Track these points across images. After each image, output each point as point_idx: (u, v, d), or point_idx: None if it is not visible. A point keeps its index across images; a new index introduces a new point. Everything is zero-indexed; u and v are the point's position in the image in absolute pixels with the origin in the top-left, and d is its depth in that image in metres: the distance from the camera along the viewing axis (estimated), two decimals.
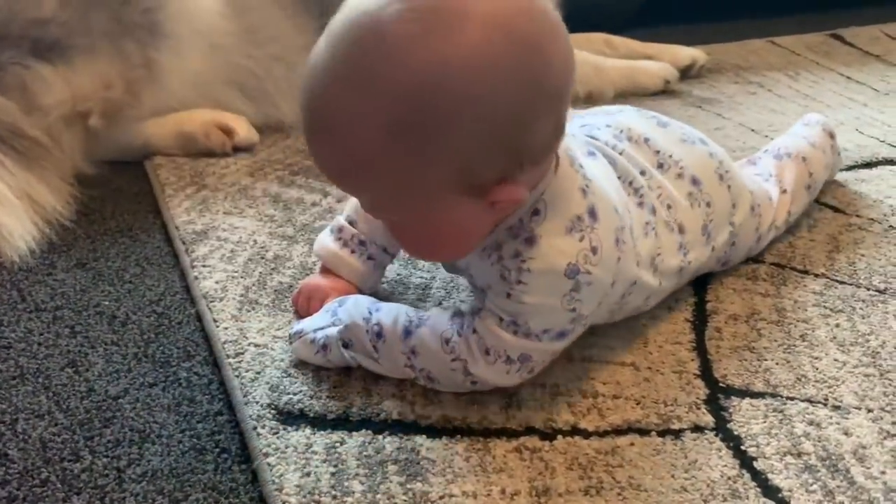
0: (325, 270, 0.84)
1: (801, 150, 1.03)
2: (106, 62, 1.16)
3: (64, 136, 1.13)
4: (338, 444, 0.66)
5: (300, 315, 0.81)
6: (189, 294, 0.89)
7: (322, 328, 0.73)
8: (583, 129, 0.84)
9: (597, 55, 1.61)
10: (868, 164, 1.20)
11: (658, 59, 1.63)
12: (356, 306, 0.74)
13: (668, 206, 0.80)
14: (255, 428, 0.68)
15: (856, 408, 0.73)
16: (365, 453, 0.65)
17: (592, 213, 0.68)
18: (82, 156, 1.16)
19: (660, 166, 0.83)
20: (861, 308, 0.88)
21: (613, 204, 0.71)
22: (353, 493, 0.62)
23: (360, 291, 0.82)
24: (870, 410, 0.73)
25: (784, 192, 0.98)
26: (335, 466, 0.64)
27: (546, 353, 0.70)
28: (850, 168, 1.18)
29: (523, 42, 0.59)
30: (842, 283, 0.92)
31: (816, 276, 0.94)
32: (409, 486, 0.63)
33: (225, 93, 1.27)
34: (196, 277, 0.90)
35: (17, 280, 0.91)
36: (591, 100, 1.51)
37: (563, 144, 0.68)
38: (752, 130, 1.37)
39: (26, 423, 0.70)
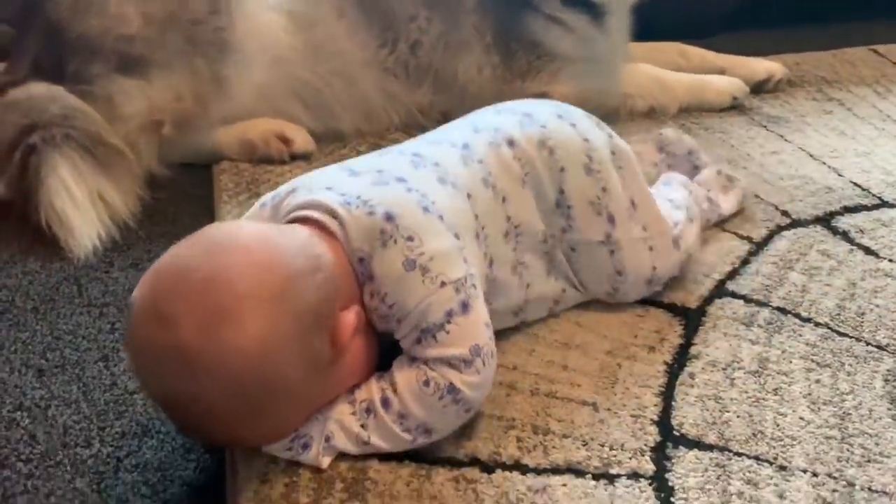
0: None
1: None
2: (179, 77, 1.28)
3: (139, 142, 1.27)
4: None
5: None
6: None
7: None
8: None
9: (669, 66, 1.60)
10: None
11: (732, 73, 1.60)
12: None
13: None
14: None
15: (802, 470, 0.74)
16: (319, 470, 0.73)
17: (389, 217, 0.74)
18: (155, 159, 1.29)
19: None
20: (850, 364, 0.87)
21: (402, 189, 0.77)
22: (298, 503, 0.70)
23: None
24: (815, 475, 0.73)
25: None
26: (290, 478, 0.72)
27: (477, 329, 0.73)
28: None
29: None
30: (842, 335, 0.91)
31: (818, 325, 0.93)
32: (348, 503, 0.70)
33: (287, 104, 1.37)
34: None
35: (79, 276, 1.05)
36: (652, 114, 1.51)
37: (334, 200, 0.75)
38: (811, 156, 1.34)
39: (56, 410, 0.83)
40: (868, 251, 1.07)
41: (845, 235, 1.11)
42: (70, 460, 0.77)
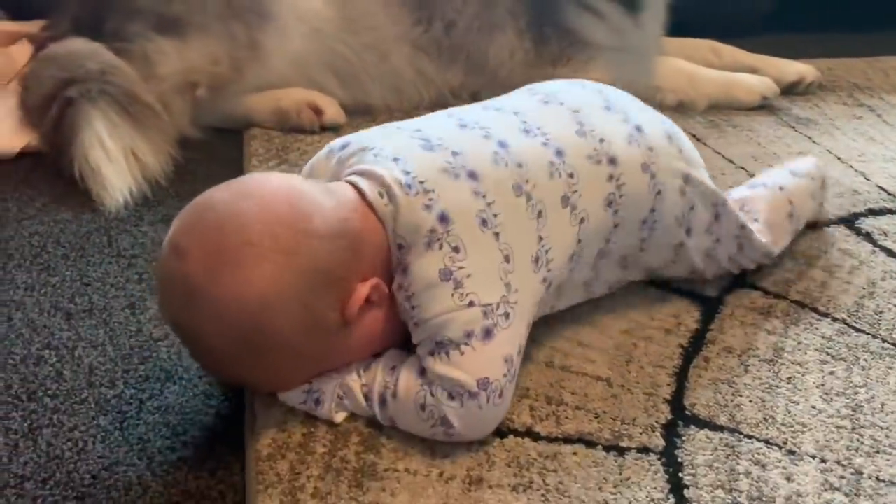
0: None
1: (778, 181, 1.03)
2: (216, 40, 1.30)
3: (174, 103, 1.29)
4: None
5: None
6: None
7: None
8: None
9: (701, 63, 1.60)
10: None
11: (763, 73, 1.60)
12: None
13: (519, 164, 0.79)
14: None
15: (810, 456, 0.75)
16: (335, 423, 0.75)
17: (443, 219, 0.72)
18: (188, 121, 1.31)
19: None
20: (865, 359, 0.87)
21: (469, 191, 0.74)
22: (315, 453, 0.72)
23: None
24: (823, 461, 0.74)
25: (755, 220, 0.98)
26: (308, 429, 0.74)
27: (492, 362, 0.71)
28: None
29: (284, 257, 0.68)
30: (859, 331, 0.92)
31: (835, 320, 0.93)
32: (363, 455, 0.72)
33: (320, 74, 1.38)
34: None
35: (109, 227, 1.08)
36: (681, 109, 1.51)
37: (395, 177, 0.73)
38: (839, 159, 1.34)
39: (83, 351, 0.85)
40: (890, 253, 1.07)
41: (868, 237, 1.11)
42: (95, 399, 0.79)
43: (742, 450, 0.75)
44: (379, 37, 1.40)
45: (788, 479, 0.72)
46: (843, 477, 0.73)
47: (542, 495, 0.69)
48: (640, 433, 0.76)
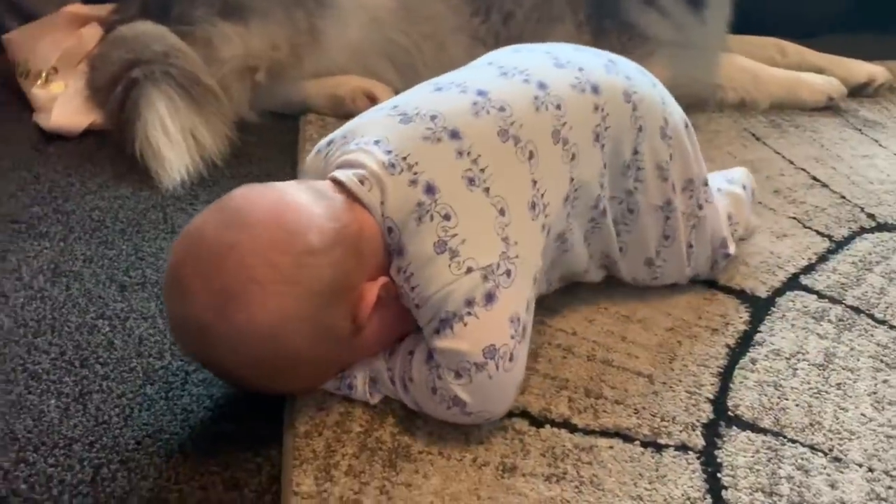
0: None
1: (716, 184, 0.99)
2: (276, 26, 1.32)
3: (234, 86, 1.31)
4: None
5: None
6: None
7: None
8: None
9: (766, 62, 1.56)
10: None
11: (831, 73, 1.56)
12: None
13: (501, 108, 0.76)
14: None
15: (857, 464, 0.72)
16: (372, 405, 0.76)
17: (429, 189, 0.71)
18: (247, 105, 1.34)
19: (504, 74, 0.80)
20: None
21: (453, 152, 0.72)
22: (351, 432, 0.73)
23: None
24: (871, 470, 0.72)
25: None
26: (346, 409, 0.75)
27: (497, 326, 0.69)
28: None
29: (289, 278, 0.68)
30: None
31: (892, 327, 0.90)
32: (398, 437, 0.72)
33: (377, 63, 1.39)
34: None
35: (165, 204, 1.10)
36: (742, 107, 1.48)
37: (377, 160, 0.72)
38: None
39: (134, 322, 0.88)
40: None
41: None
42: (143, 368, 0.81)
43: (785, 454, 0.73)
44: (437, 27, 1.40)
45: (833, 486, 0.70)
46: (890, 487, 0.70)
47: (576, 487, 0.69)
48: (680, 431, 0.75)
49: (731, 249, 0.93)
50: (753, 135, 1.37)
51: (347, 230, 0.70)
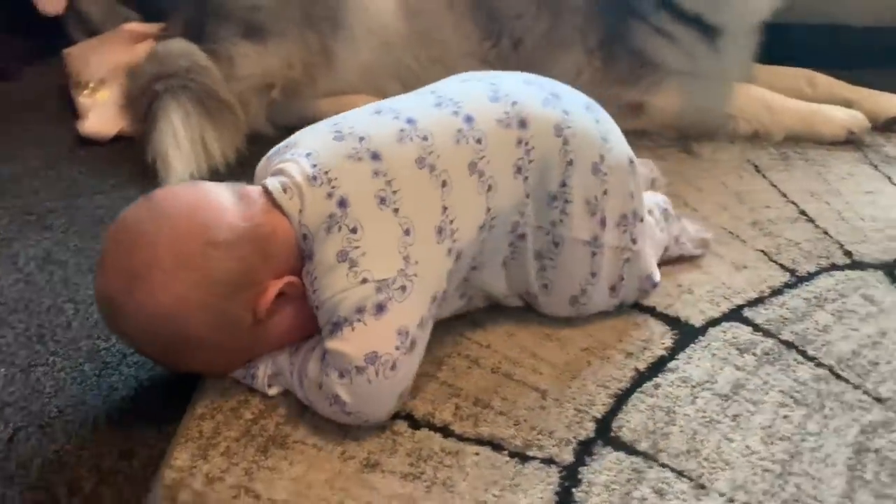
0: None
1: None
2: (292, 47, 1.42)
3: (251, 102, 1.41)
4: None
5: None
6: None
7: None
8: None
9: (794, 93, 1.53)
10: None
11: (861, 106, 1.50)
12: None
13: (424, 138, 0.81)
14: None
15: (720, 494, 0.72)
16: (269, 395, 0.82)
17: (342, 203, 0.76)
18: (264, 119, 1.43)
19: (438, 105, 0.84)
20: (832, 409, 0.82)
21: (370, 172, 0.78)
22: (241, 418, 0.79)
23: None
24: (731, 501, 0.71)
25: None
26: (245, 397, 0.81)
27: (382, 335, 0.74)
28: None
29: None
30: (842, 379, 0.86)
31: (819, 365, 0.88)
32: (281, 426, 0.78)
33: (387, 84, 1.46)
34: None
35: None
36: (756, 138, 1.45)
37: (303, 172, 0.78)
38: None
39: (94, 308, 0.96)
40: None
41: None
42: (88, 348, 0.91)
43: (649, 476, 0.74)
44: (446, 50, 1.46)
45: None
46: None
47: (427, 487, 0.72)
48: (553, 445, 0.77)
49: (657, 278, 0.94)
50: (755, 166, 1.35)
51: (258, 230, 0.77)
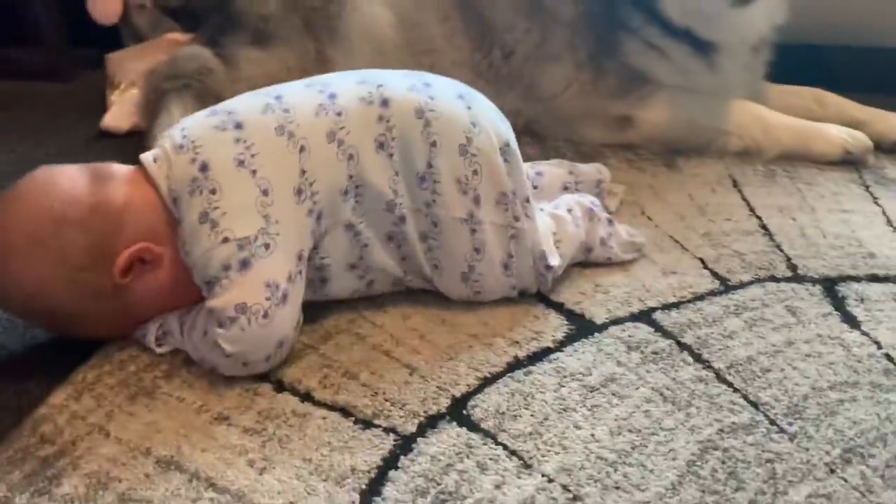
0: None
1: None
2: (292, 52, 1.50)
3: None
4: None
5: None
6: None
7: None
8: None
9: (803, 112, 1.49)
10: None
11: (871, 127, 1.44)
12: None
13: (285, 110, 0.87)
14: None
15: (543, 475, 0.72)
16: (158, 353, 0.88)
17: (203, 167, 0.83)
18: None
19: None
20: (698, 408, 0.81)
21: (231, 139, 0.84)
22: (125, 370, 0.85)
23: None
24: (550, 481, 0.71)
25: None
26: (137, 353, 0.88)
27: (249, 289, 0.80)
28: None
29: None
30: (724, 382, 0.84)
31: (707, 368, 0.87)
32: (157, 380, 0.84)
33: None
34: None
35: None
36: (747, 154, 1.41)
37: (173, 142, 0.86)
38: (890, 224, 1.17)
39: None
40: (849, 319, 0.94)
41: (838, 300, 0.98)
42: None
43: (478, 451, 0.75)
44: (437, 60, 1.50)
45: (497, 486, 0.71)
46: (553, 498, 0.69)
47: (263, 441, 0.76)
48: (400, 417, 0.79)
49: (553, 261, 0.94)
50: (734, 181, 1.32)
51: (108, 204, 0.84)
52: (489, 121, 0.93)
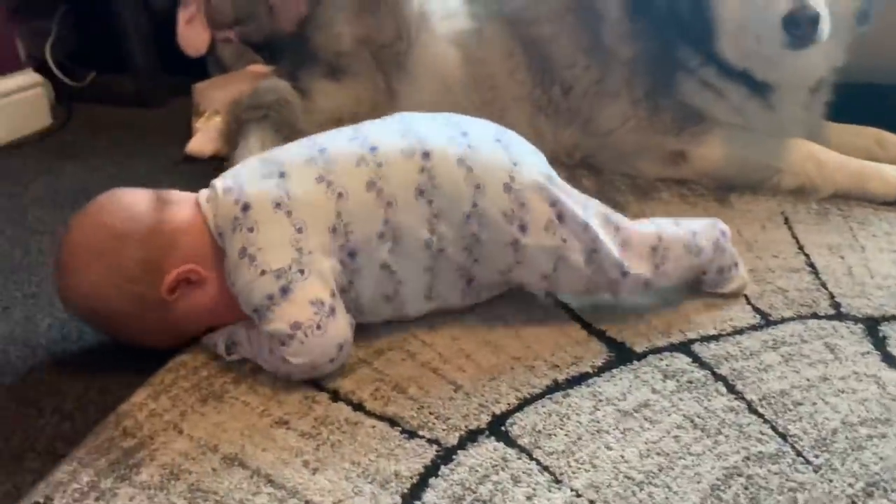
0: None
1: (658, 221, 1.07)
2: (362, 86, 1.60)
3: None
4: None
5: None
6: None
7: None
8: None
9: (863, 152, 1.50)
10: None
11: None
12: None
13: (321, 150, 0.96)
14: None
15: (572, 490, 0.77)
16: (227, 361, 0.97)
17: (245, 208, 0.92)
18: None
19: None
20: (727, 436, 0.84)
21: (273, 185, 0.93)
22: (199, 374, 0.94)
23: None
24: (579, 496, 0.76)
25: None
26: (211, 359, 0.97)
27: (298, 308, 0.88)
28: None
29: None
30: (755, 412, 0.88)
31: (739, 398, 0.90)
32: (227, 385, 0.92)
33: None
34: None
35: None
36: (801, 192, 1.43)
37: (223, 185, 0.95)
38: None
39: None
40: (889, 358, 0.97)
41: (879, 339, 1.00)
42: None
43: (513, 465, 0.80)
44: (499, 95, 1.58)
45: (528, 497, 0.76)
46: None
47: (318, 445, 0.83)
48: (443, 430, 0.85)
49: (630, 269, 1.00)
50: (785, 218, 1.35)
51: (165, 225, 0.94)
52: (529, 158, 1.01)
